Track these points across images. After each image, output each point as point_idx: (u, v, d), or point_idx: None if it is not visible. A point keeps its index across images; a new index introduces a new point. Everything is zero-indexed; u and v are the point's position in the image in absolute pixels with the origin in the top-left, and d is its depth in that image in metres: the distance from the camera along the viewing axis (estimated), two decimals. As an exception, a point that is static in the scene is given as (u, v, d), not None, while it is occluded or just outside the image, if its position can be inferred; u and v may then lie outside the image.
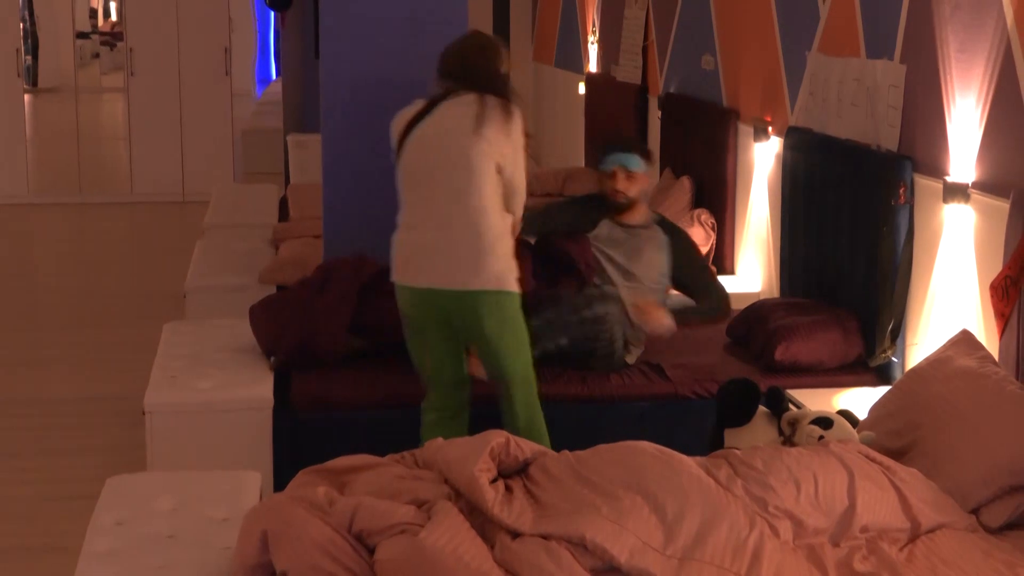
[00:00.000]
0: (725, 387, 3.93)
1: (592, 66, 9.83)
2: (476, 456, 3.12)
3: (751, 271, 6.36)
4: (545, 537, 2.94)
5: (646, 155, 5.03)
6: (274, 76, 18.31)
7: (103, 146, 13.74)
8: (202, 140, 12.03)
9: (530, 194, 4.43)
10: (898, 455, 3.56)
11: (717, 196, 6.64)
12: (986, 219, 4.16)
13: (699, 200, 6.87)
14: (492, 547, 2.95)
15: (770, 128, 6.07)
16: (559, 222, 5.10)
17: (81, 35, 15.15)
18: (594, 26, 9.80)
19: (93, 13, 19.79)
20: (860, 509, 3.20)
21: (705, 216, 6.64)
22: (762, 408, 3.86)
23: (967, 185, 4.26)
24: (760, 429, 3.80)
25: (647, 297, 4.87)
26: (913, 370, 3.97)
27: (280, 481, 4.20)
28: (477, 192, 4.04)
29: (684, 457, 3.23)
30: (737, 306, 5.22)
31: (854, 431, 3.70)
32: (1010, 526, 3.35)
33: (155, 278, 8.85)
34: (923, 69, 4.56)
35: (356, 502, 2.98)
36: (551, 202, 5.78)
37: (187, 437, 4.45)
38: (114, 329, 7.59)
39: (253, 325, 4.90)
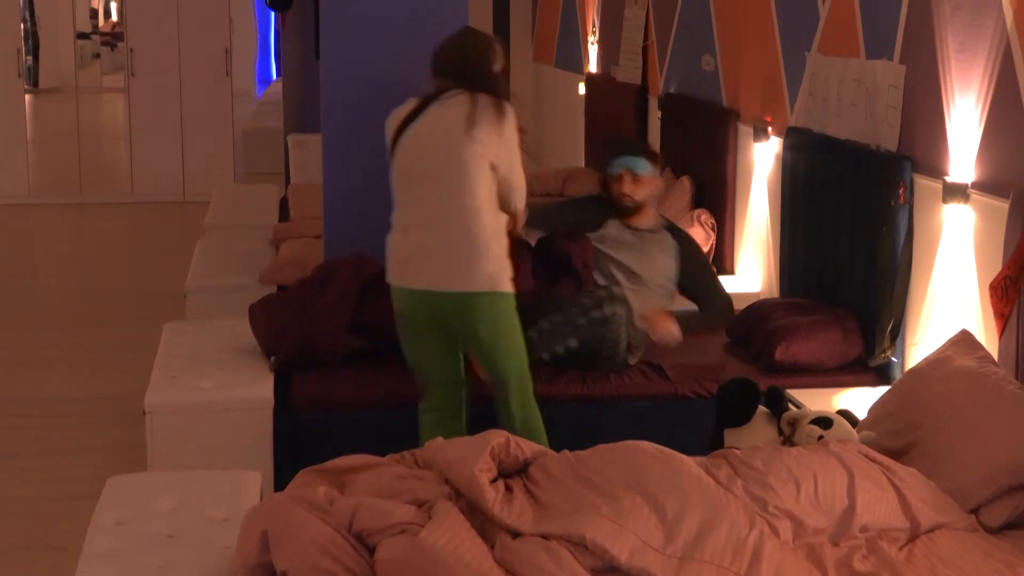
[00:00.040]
0: (725, 387, 3.93)
1: (592, 66, 9.83)
2: (476, 456, 3.12)
3: (751, 271, 6.36)
4: (545, 537, 2.94)
5: (653, 158, 5.02)
6: (274, 76, 18.31)
7: (104, 146, 13.76)
8: (203, 140, 12.04)
9: (530, 194, 4.43)
10: (898, 455, 3.56)
11: (717, 196, 6.64)
12: (985, 219, 4.16)
13: (699, 200, 6.88)
14: (492, 547, 2.96)
15: (770, 128, 6.08)
16: (566, 218, 5.09)
17: (82, 35, 15.16)
18: (594, 26, 9.80)
19: (94, 13, 19.81)
20: (860, 509, 3.20)
21: (705, 216, 6.64)
22: (762, 408, 3.86)
23: (967, 185, 4.26)
24: (760, 429, 3.80)
25: (652, 300, 4.87)
26: (913, 370, 3.97)
27: (280, 481, 4.20)
28: (470, 193, 4.04)
29: (684, 457, 3.23)
30: (737, 306, 5.22)
31: (854, 431, 3.70)
32: (1010, 526, 3.35)
33: (155, 278, 8.86)
34: (923, 69, 4.56)
35: (356, 502, 2.99)
36: (561, 199, 5.78)
37: (187, 437, 4.45)
38: (114, 329, 7.59)
39: (253, 324, 4.90)
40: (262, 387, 4.56)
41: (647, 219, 5.03)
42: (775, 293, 5.82)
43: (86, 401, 6.20)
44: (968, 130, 4.26)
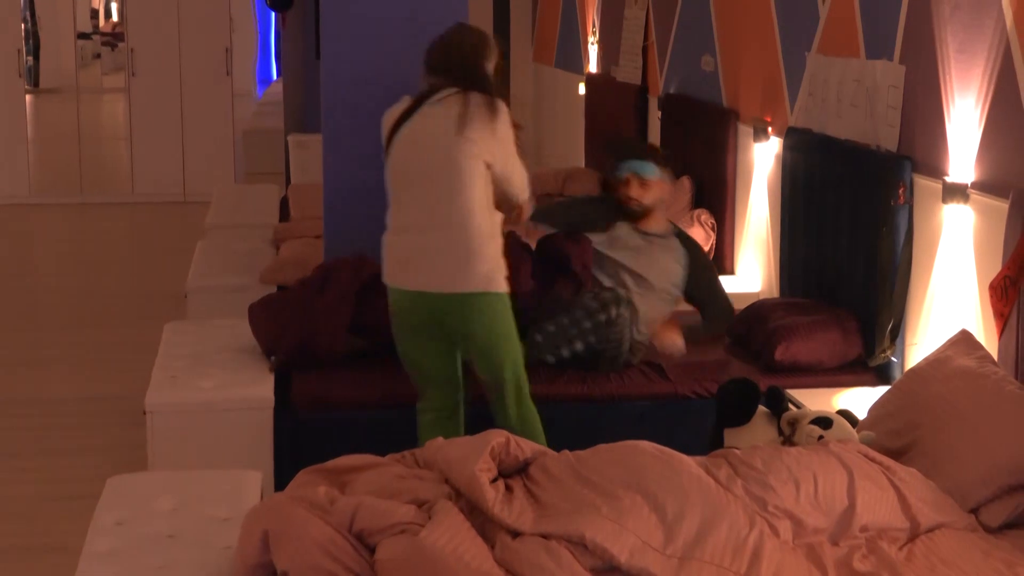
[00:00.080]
0: (725, 387, 3.93)
1: (592, 67, 9.83)
2: (476, 456, 3.13)
3: (751, 271, 6.36)
4: (545, 536, 2.94)
5: (662, 162, 5.00)
6: (275, 76, 18.31)
7: (104, 146, 13.75)
8: (203, 140, 12.04)
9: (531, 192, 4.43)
10: (897, 455, 3.57)
11: (717, 196, 6.64)
12: (985, 219, 4.17)
13: (699, 200, 6.88)
14: (492, 547, 2.96)
15: (770, 128, 6.08)
16: (575, 216, 5.09)
17: (82, 35, 15.14)
18: (594, 27, 9.81)
19: (94, 14, 19.78)
20: (860, 508, 3.20)
21: (705, 216, 6.64)
22: (762, 408, 3.87)
23: (966, 185, 4.26)
24: (760, 429, 3.80)
25: (656, 305, 4.87)
26: (912, 370, 3.97)
27: (281, 481, 4.21)
28: (462, 194, 4.03)
29: (684, 457, 3.23)
30: (737, 306, 5.23)
31: (853, 431, 3.70)
32: (1009, 525, 3.36)
33: (156, 278, 8.86)
34: (922, 69, 4.56)
35: (357, 502, 2.99)
36: (573, 197, 5.75)
37: (188, 437, 4.46)
38: (115, 329, 7.59)
39: (252, 325, 4.90)
40: (262, 387, 4.57)
41: (657, 223, 5.01)
42: (775, 293, 5.82)
43: (86, 401, 6.20)
44: (968, 130, 4.26)
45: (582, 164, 9.72)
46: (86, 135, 12.43)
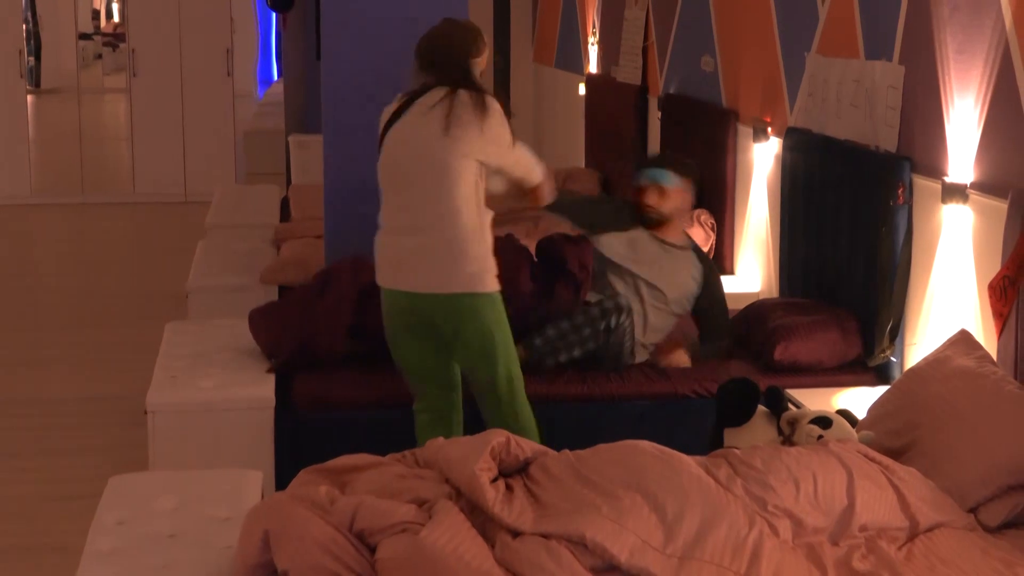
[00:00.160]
0: (724, 386, 3.94)
1: (592, 67, 9.83)
2: (477, 455, 3.13)
3: (751, 271, 6.36)
4: (545, 536, 2.95)
5: (683, 171, 4.96)
6: (276, 77, 18.32)
7: (105, 147, 13.77)
8: (204, 141, 12.04)
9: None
10: (897, 454, 3.57)
11: (717, 196, 6.64)
12: (984, 219, 4.17)
13: (699, 200, 6.86)
14: (493, 546, 2.96)
15: (769, 129, 6.08)
16: (598, 214, 5.07)
17: (83, 36, 15.16)
18: (594, 27, 9.81)
19: (95, 14, 19.80)
20: (859, 508, 3.21)
21: (705, 216, 6.64)
22: (761, 408, 3.87)
23: (965, 186, 4.27)
24: (759, 429, 3.81)
25: (664, 316, 4.87)
26: (912, 370, 3.98)
27: (281, 480, 4.22)
28: (449, 194, 4.01)
29: (684, 457, 3.24)
30: (737, 306, 5.23)
31: (853, 431, 3.71)
32: (1008, 525, 3.36)
33: (157, 278, 8.86)
34: (922, 70, 4.57)
35: (357, 501, 2.99)
36: (597, 196, 5.70)
37: (189, 437, 4.46)
38: (115, 329, 7.60)
39: (253, 330, 4.90)
40: (263, 387, 4.57)
41: (674, 233, 4.98)
42: (775, 293, 5.83)
43: (87, 401, 6.21)
44: (967, 131, 4.27)
45: (582, 164, 9.72)
46: (87, 135, 12.44)
